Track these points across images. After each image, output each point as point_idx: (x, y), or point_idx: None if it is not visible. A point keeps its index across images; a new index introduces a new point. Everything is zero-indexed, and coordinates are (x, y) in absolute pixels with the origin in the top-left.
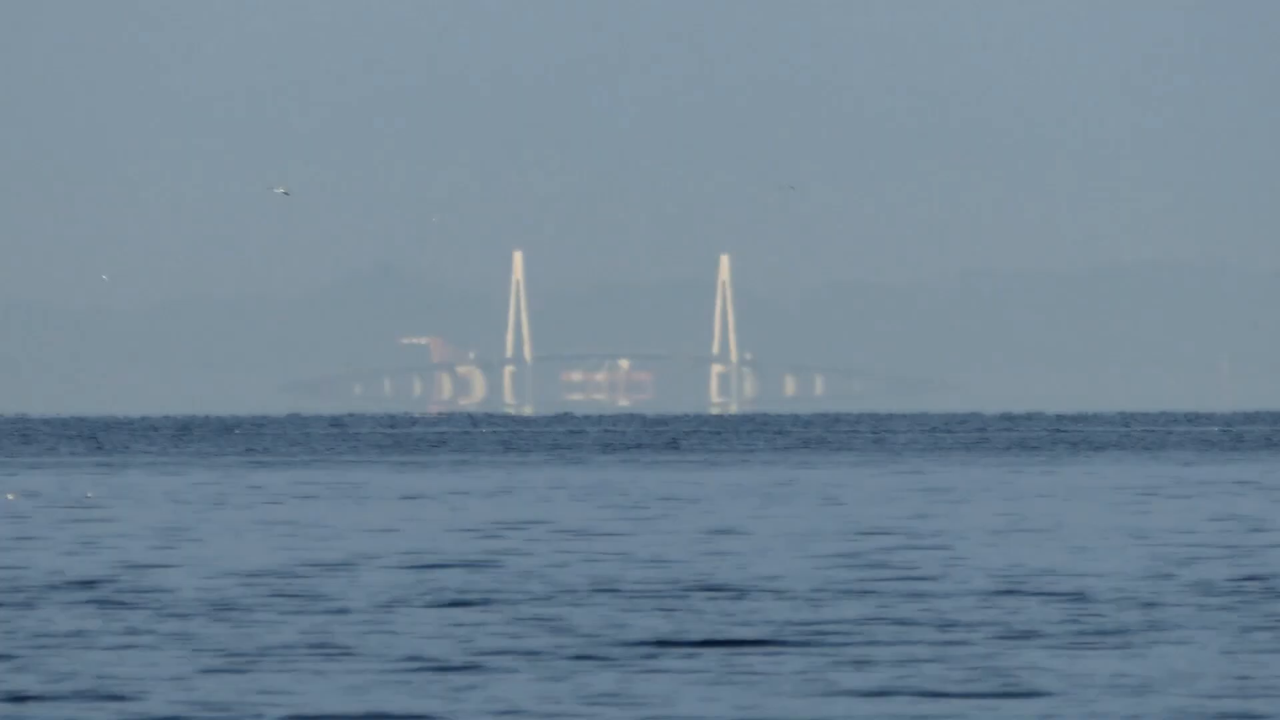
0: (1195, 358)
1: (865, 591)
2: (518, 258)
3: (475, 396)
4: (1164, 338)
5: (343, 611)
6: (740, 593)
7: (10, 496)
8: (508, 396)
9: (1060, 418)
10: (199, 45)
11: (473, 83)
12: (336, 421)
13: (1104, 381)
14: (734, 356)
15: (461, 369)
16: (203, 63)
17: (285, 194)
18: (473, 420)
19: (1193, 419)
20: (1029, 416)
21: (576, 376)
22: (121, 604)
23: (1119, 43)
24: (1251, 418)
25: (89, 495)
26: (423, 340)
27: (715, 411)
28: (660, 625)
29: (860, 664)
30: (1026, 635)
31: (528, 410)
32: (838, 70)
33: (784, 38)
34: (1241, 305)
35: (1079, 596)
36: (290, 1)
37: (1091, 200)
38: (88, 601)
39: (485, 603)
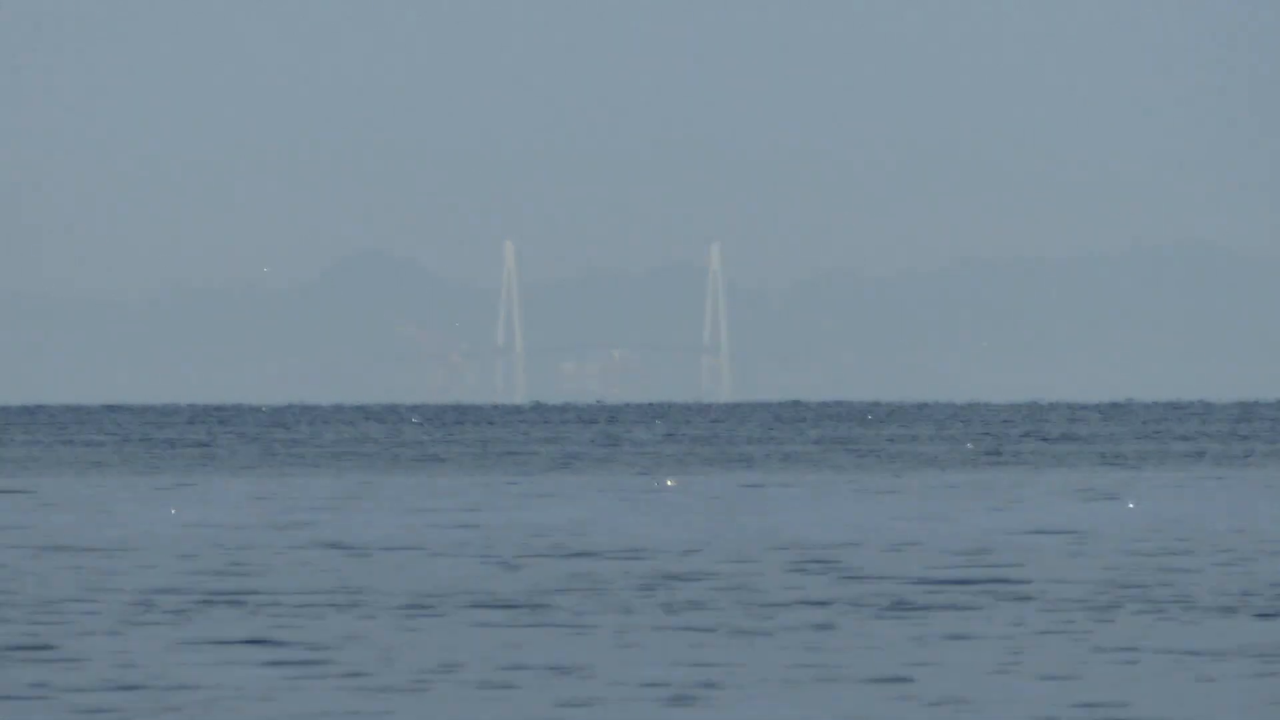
0: (1190, 344)
1: None
2: (509, 248)
3: (466, 387)
4: (1152, 324)
5: None
6: None
7: (670, 483)
8: (499, 386)
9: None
10: (192, 34)
11: (462, 73)
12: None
13: (1096, 369)
14: (724, 346)
15: (453, 358)
16: (194, 54)
17: None
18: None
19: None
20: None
21: (569, 367)
22: None
23: (1098, 33)
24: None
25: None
26: (413, 330)
27: (706, 400)
28: None
29: None
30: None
31: (518, 400)
32: (826, 64)
33: (772, 32)
34: (1234, 290)
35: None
36: None
37: (1080, 188)
38: None
39: None
